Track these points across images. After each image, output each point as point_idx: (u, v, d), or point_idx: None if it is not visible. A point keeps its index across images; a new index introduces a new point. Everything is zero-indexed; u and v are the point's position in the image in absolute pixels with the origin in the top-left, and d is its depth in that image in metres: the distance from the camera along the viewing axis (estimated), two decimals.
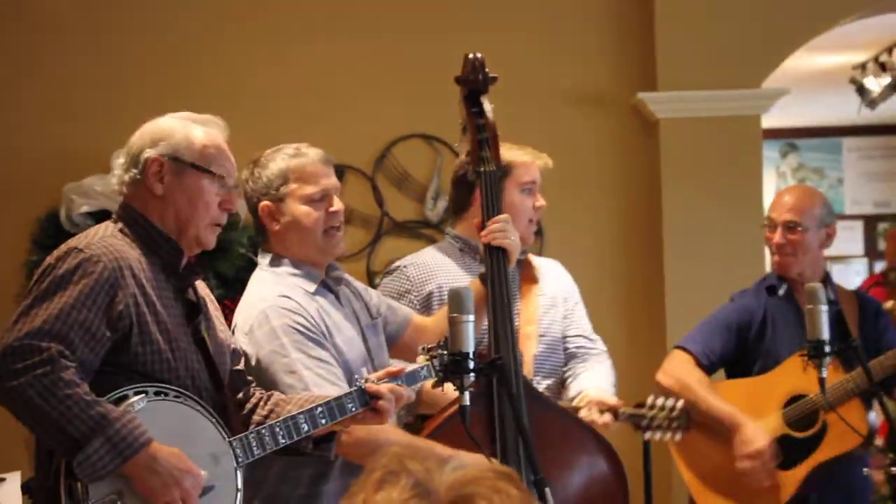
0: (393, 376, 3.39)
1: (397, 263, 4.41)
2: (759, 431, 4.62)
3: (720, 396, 4.68)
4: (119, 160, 3.35)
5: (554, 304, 4.38)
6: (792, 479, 4.63)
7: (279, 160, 3.74)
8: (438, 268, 4.29)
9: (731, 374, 4.89)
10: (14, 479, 5.63)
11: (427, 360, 3.38)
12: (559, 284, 4.46)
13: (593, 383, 4.24)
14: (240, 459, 3.21)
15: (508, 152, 4.27)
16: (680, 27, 6.47)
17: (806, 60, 8.49)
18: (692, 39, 6.47)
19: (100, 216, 5.80)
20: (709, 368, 4.79)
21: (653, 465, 4.97)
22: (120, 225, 3.29)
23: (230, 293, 5.61)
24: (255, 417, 3.38)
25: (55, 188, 6.16)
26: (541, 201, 4.35)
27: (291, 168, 3.72)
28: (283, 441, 3.26)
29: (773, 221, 4.78)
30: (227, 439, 3.21)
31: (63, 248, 3.18)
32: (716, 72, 6.46)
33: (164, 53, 6.55)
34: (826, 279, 4.82)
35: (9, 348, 3.00)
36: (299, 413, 3.28)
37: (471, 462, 1.57)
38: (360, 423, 3.43)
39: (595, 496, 3.91)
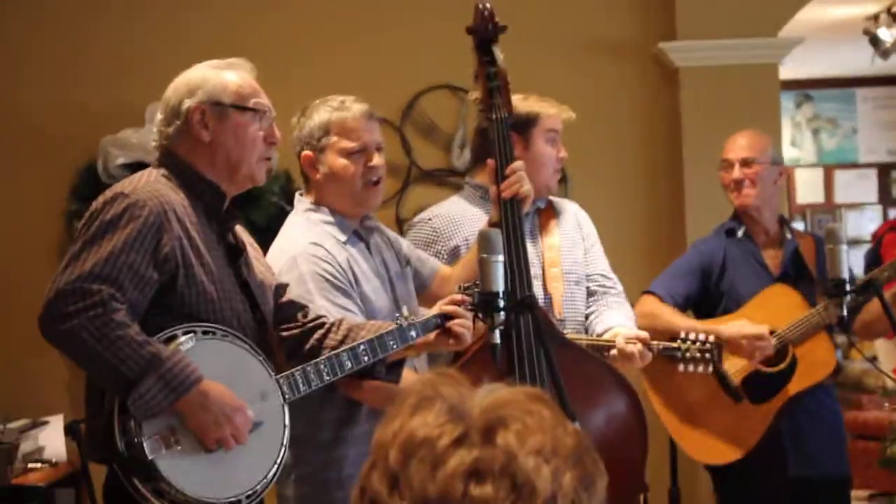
0: (457, 304, 3.48)
1: (422, 215, 4.41)
2: (733, 325, 4.72)
3: None
4: (157, 115, 3.40)
5: (574, 243, 4.39)
6: (766, 412, 4.75)
7: (323, 112, 3.81)
8: (464, 219, 4.28)
9: (698, 317, 4.98)
10: (57, 423, 5.77)
11: (466, 295, 3.48)
12: (577, 223, 4.46)
13: (618, 321, 4.25)
14: (286, 396, 3.26)
15: (534, 104, 4.32)
16: None
17: (820, 12, 8.51)
18: None
19: (136, 167, 5.80)
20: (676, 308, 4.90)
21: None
22: (163, 171, 3.33)
23: (262, 241, 5.71)
24: (329, 342, 3.44)
25: (93, 141, 6.22)
26: (563, 152, 4.37)
27: (333, 121, 3.79)
28: (328, 378, 3.32)
29: (730, 161, 4.98)
30: (273, 377, 3.27)
31: (109, 193, 3.22)
32: (734, 21, 6.50)
33: (197, 9, 6.58)
34: (782, 220, 5.03)
35: (61, 292, 3.05)
36: (343, 350, 3.35)
37: (503, 387, 1.55)
38: (434, 349, 3.55)
39: (614, 433, 3.94)
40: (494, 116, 3.98)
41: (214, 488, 3.12)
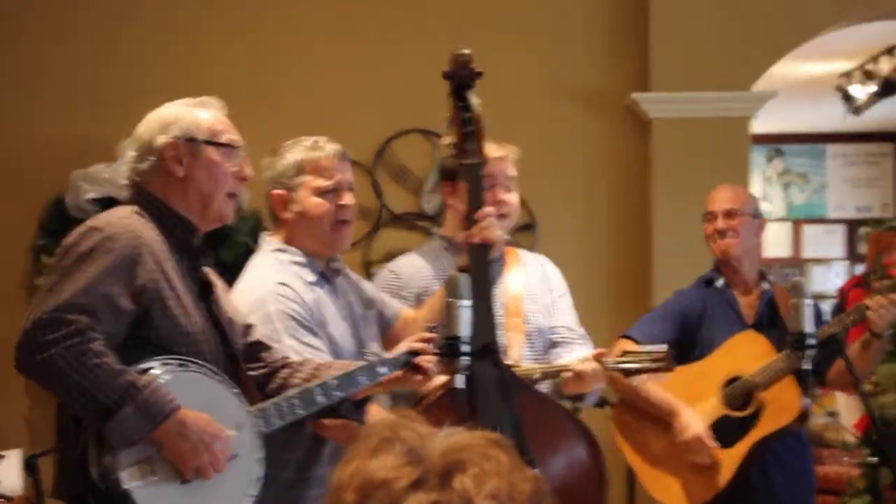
0: (427, 342, 3.49)
1: (385, 267, 4.45)
2: (694, 417, 4.80)
3: (664, 383, 4.82)
4: (130, 152, 3.41)
5: (539, 294, 4.38)
6: (733, 456, 4.80)
7: (296, 151, 3.84)
8: (427, 268, 4.30)
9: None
10: (14, 457, 5.71)
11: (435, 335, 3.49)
12: (543, 276, 4.45)
13: (575, 357, 4.20)
14: (261, 429, 3.28)
15: None
16: (674, 30, 6.57)
17: (793, 68, 8.57)
18: (685, 42, 6.56)
19: (106, 202, 5.84)
20: None
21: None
22: (135, 207, 3.35)
23: (230, 280, 5.69)
24: (294, 381, 3.45)
25: (62, 175, 6.20)
26: (500, 196, 4.27)
27: (307, 160, 3.82)
28: (301, 412, 3.33)
29: (713, 213, 5.05)
30: (247, 410, 3.28)
31: (83, 227, 3.25)
32: (707, 74, 6.56)
33: (169, 44, 6.59)
34: (762, 273, 5.11)
35: (38, 321, 3.06)
36: (315, 385, 3.36)
37: (462, 430, 1.57)
38: (402, 386, 3.54)
39: (574, 480, 3.94)
40: (467, 162, 3.99)
41: None
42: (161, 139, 3.36)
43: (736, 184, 5.39)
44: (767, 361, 4.78)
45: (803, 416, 4.84)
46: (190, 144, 3.38)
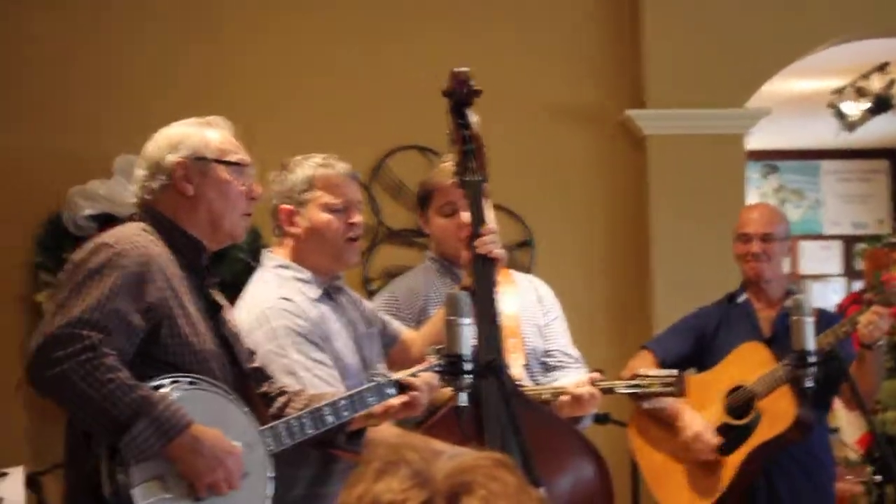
0: (426, 370, 3.49)
1: (382, 291, 4.49)
2: (695, 417, 4.94)
3: None
4: (139, 171, 3.43)
5: (532, 317, 4.38)
6: (732, 462, 4.90)
7: (307, 167, 3.85)
8: (423, 289, 4.31)
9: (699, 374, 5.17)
10: (16, 474, 5.70)
11: (438, 358, 3.45)
12: (536, 298, 4.45)
13: (569, 381, 4.22)
14: (271, 448, 3.29)
15: (430, 178, 4.35)
16: (668, 47, 6.59)
17: (787, 85, 8.60)
18: (679, 59, 6.60)
19: (103, 219, 5.84)
20: (666, 366, 4.92)
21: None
22: (143, 224, 3.37)
23: (228, 297, 5.69)
24: (289, 411, 3.44)
25: (60, 192, 6.18)
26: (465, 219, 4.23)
27: (318, 176, 3.84)
28: (311, 431, 3.34)
29: (749, 235, 5.09)
30: (258, 428, 3.29)
31: (91, 243, 3.27)
32: (702, 91, 6.59)
33: (167, 60, 6.58)
34: (789, 291, 5.17)
35: (50, 337, 3.08)
36: (325, 405, 3.37)
37: (467, 451, 1.56)
38: (392, 417, 3.53)
39: (581, 498, 3.94)
40: (469, 179, 4.00)
41: None
42: (170, 158, 3.39)
43: (732, 200, 5.40)
44: (767, 371, 4.84)
45: (803, 427, 4.86)
46: (200, 163, 3.40)
